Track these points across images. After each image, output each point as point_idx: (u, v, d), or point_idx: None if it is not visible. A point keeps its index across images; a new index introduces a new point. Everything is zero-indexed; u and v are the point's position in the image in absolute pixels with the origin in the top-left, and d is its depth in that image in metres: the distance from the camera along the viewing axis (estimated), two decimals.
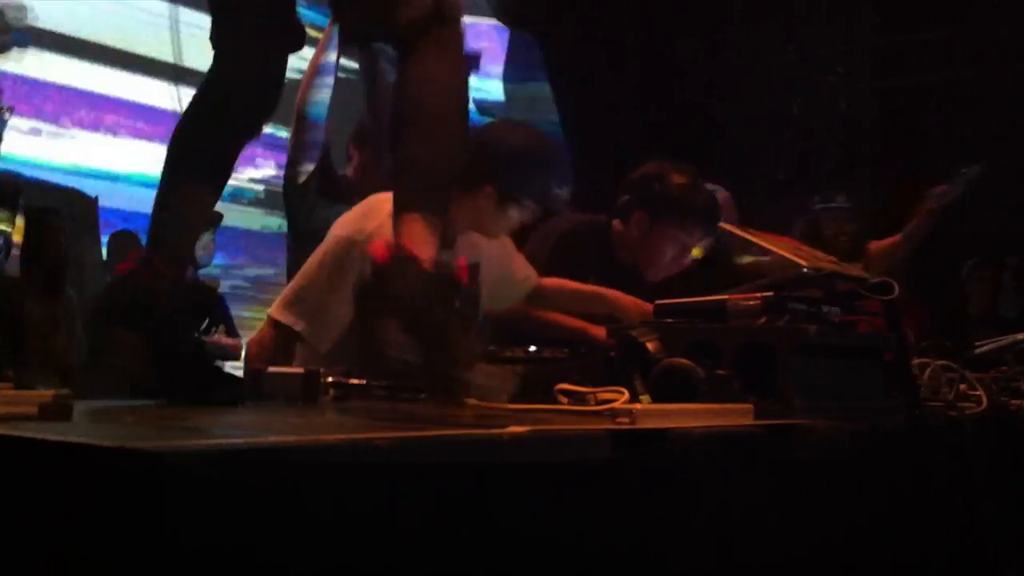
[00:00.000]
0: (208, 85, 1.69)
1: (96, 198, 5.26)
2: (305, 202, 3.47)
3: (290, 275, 3.32)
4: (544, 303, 2.85)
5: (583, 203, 3.18)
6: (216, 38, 1.66)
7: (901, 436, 1.90)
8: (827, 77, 7.08)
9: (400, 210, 1.49)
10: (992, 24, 6.46)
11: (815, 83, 7.09)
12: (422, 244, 1.44)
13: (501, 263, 2.68)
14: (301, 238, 3.37)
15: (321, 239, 2.51)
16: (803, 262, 2.08)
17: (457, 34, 1.56)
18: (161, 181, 1.67)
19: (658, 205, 3.10)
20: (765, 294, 1.88)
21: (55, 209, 4.60)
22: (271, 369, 1.73)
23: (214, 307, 1.67)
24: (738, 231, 2.17)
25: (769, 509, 1.50)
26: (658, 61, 6.91)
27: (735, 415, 1.58)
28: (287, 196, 3.61)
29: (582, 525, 1.19)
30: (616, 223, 3.17)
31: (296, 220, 3.54)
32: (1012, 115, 6.25)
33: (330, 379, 1.71)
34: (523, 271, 2.82)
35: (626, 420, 1.38)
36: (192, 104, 1.69)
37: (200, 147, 1.67)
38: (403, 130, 1.54)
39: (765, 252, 2.20)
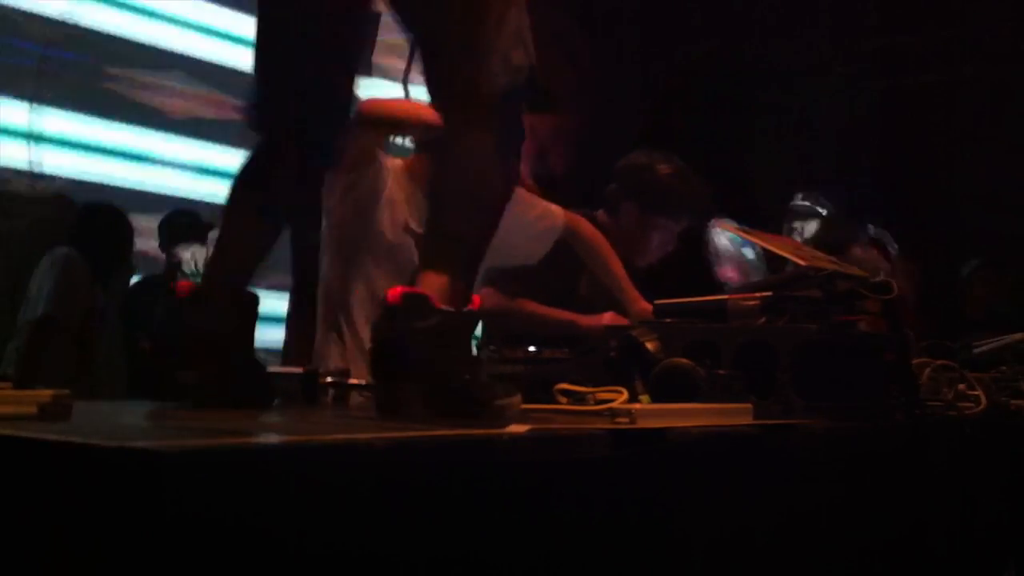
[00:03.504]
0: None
1: None
2: None
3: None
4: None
5: (575, 197, 3.18)
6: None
7: (901, 436, 1.90)
8: (827, 77, 7.08)
9: (427, 267, 1.51)
10: (992, 24, 6.46)
11: (815, 83, 7.08)
12: (440, 296, 1.45)
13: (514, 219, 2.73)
14: None
15: None
16: (803, 262, 2.09)
17: (505, 115, 1.58)
18: (224, 214, 1.71)
19: (647, 195, 3.12)
20: (765, 294, 1.88)
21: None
22: (271, 369, 1.73)
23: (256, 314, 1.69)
24: (738, 231, 2.17)
25: (769, 509, 1.50)
26: (657, 61, 6.91)
27: (735, 415, 1.58)
28: None
29: (582, 525, 1.19)
30: (601, 214, 3.17)
31: None
32: (1012, 115, 6.25)
33: (330, 379, 1.71)
34: (540, 215, 2.84)
35: (626, 420, 1.38)
36: (257, 147, 1.72)
37: (263, 186, 1.71)
38: (443, 200, 1.57)
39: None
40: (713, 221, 3.23)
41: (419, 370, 1.39)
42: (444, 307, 1.43)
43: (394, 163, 2.62)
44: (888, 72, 6.96)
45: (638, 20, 6.86)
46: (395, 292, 1.43)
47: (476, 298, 1.50)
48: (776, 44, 6.97)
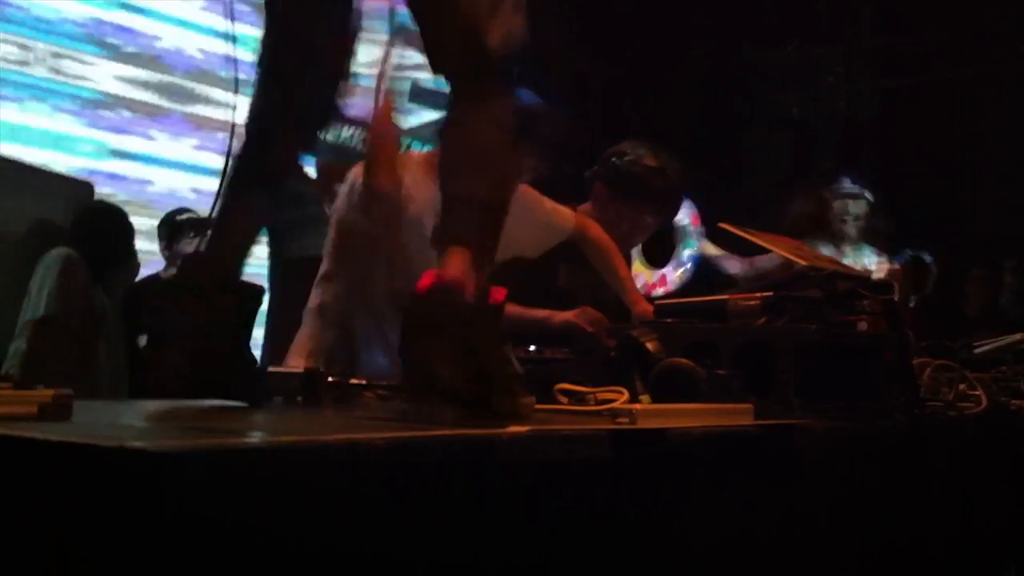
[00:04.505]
0: (263, 85, 1.71)
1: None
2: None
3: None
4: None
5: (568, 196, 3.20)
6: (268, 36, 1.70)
7: (901, 436, 1.90)
8: (827, 77, 7.08)
9: (449, 242, 1.50)
10: (992, 24, 6.46)
11: (815, 83, 7.09)
12: (466, 277, 1.45)
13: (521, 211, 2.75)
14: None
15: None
16: (803, 262, 2.09)
17: (512, 81, 1.61)
18: (221, 186, 1.70)
19: (616, 180, 3.12)
20: (765, 294, 1.88)
21: None
22: (271, 369, 1.73)
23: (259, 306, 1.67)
24: (738, 231, 2.17)
25: (769, 509, 1.50)
26: (657, 61, 6.91)
27: (735, 415, 1.58)
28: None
29: (582, 525, 1.19)
30: (585, 206, 3.17)
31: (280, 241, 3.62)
32: (1012, 115, 6.25)
33: (330, 379, 1.71)
34: (549, 213, 2.88)
35: (626, 420, 1.38)
36: (252, 108, 1.71)
37: (258, 155, 1.70)
38: (459, 167, 1.57)
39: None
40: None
41: (453, 354, 1.36)
42: (472, 294, 1.42)
43: (413, 158, 2.61)
44: (888, 72, 6.96)
45: (638, 19, 6.86)
46: (427, 279, 1.41)
47: (501, 291, 1.49)
48: (775, 43, 6.97)
